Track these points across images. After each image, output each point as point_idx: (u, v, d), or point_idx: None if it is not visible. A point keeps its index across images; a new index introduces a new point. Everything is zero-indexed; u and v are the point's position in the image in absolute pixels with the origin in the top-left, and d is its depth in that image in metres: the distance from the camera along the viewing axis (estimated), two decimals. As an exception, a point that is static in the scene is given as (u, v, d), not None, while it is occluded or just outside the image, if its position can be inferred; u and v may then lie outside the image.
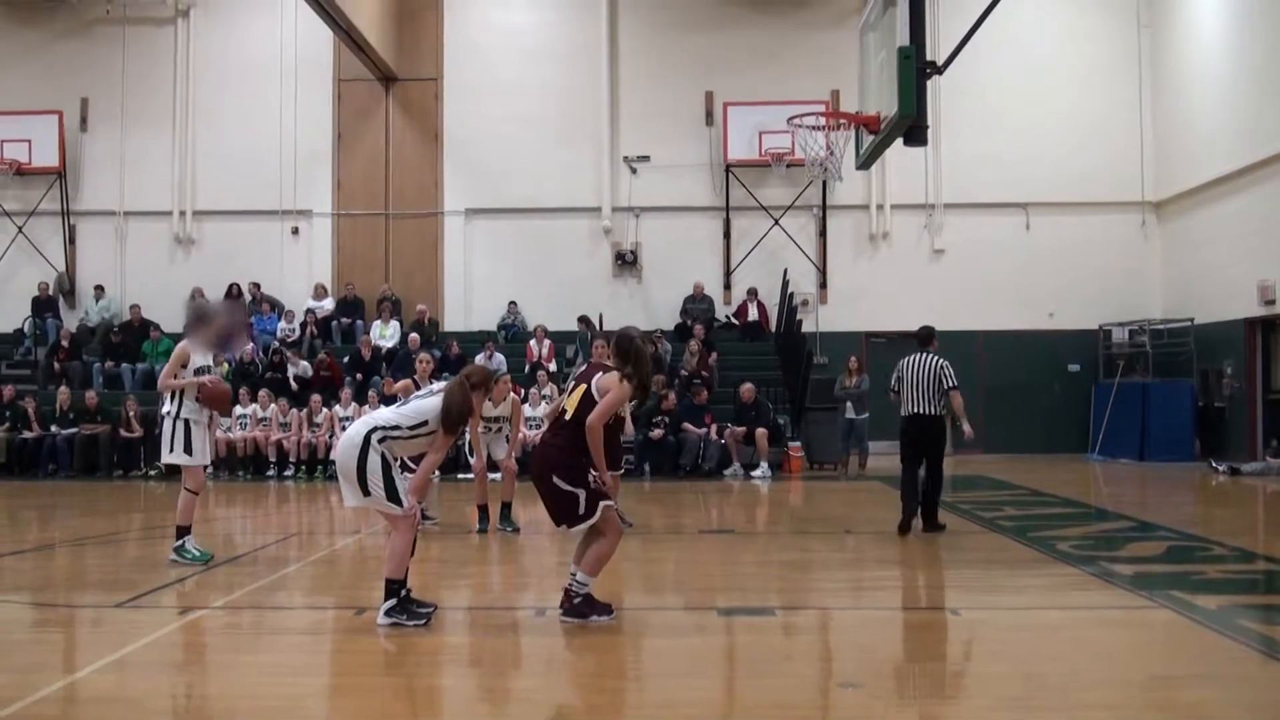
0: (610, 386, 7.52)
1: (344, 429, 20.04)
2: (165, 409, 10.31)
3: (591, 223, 25.49)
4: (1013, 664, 6.86)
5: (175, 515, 10.27)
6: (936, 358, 12.38)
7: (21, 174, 25.42)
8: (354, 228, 25.83)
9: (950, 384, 12.24)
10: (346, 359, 22.71)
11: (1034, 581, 9.60)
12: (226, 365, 21.51)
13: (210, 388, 10.32)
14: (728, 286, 25.34)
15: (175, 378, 10.16)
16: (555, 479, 7.46)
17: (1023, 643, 7.48)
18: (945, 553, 11.45)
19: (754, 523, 14.63)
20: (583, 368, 8.02)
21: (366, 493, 7.44)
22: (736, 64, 25.23)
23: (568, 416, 7.60)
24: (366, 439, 7.45)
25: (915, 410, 12.37)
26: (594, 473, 7.47)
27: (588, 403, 7.52)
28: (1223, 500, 16.79)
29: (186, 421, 10.13)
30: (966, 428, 12.67)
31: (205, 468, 10.66)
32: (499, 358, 21.74)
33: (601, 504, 7.47)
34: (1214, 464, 20.27)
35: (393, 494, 7.45)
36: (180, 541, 10.14)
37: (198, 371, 10.23)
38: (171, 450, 10.16)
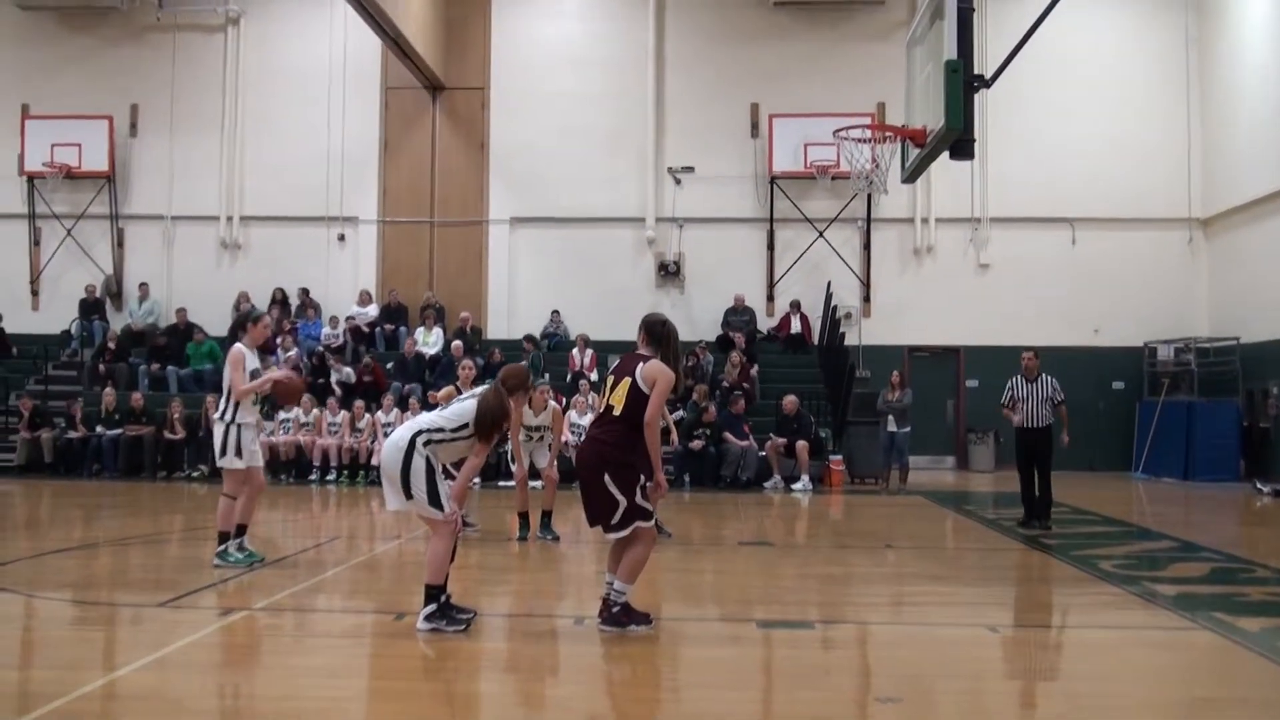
0: (657, 374, 7.49)
1: (387, 434, 20.21)
2: (217, 414, 10.36)
3: (635, 233, 25.53)
4: (1054, 682, 6.80)
5: (217, 521, 10.35)
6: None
7: (71, 177, 25.72)
8: (399, 235, 25.98)
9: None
10: (390, 365, 22.80)
11: (1076, 600, 9.55)
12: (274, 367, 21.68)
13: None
14: (770, 298, 25.33)
15: (244, 383, 10.21)
16: (607, 477, 7.40)
17: (1065, 661, 7.43)
18: (987, 569, 11.41)
19: (794, 535, 14.57)
20: (617, 361, 7.95)
21: (409, 496, 7.47)
22: (782, 76, 25.24)
23: (616, 412, 7.53)
24: (411, 442, 7.49)
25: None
26: (644, 482, 7.47)
27: (636, 394, 7.46)
28: (1266, 521, 16.59)
29: (240, 426, 10.18)
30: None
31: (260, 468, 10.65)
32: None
33: (636, 523, 7.45)
34: (1258, 485, 20.06)
35: (435, 498, 7.47)
36: (223, 546, 10.20)
37: (252, 375, 10.30)
38: (224, 455, 10.20)
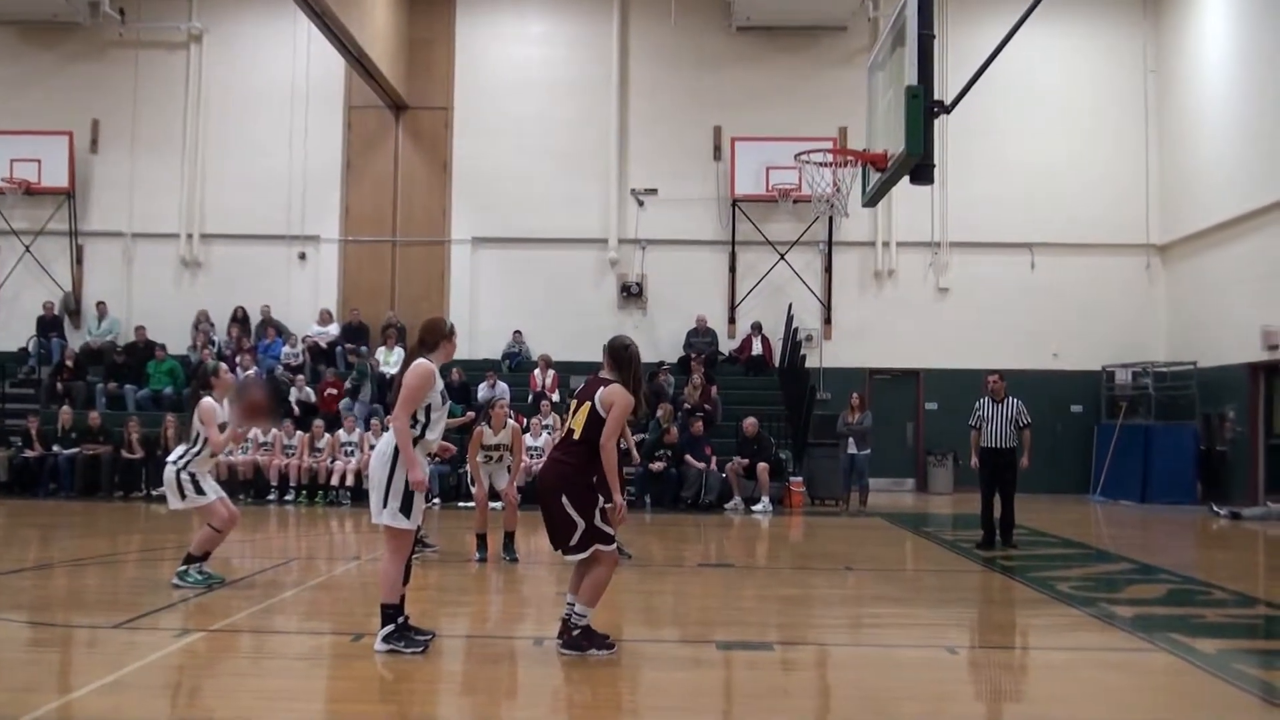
0: (614, 398, 7.52)
1: (346, 452, 20.04)
2: (171, 458, 10.35)
3: (598, 254, 25.56)
4: (1013, 704, 6.83)
5: (192, 543, 10.36)
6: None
7: (30, 193, 25.53)
8: (361, 254, 25.90)
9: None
10: (350, 384, 22.68)
11: (1034, 621, 9.60)
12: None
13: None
14: (732, 320, 25.39)
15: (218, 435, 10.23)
16: (564, 499, 7.44)
17: (1023, 682, 7.48)
18: (945, 591, 11.45)
19: (754, 557, 14.57)
20: (582, 385, 7.98)
21: (386, 504, 7.40)
22: (745, 100, 25.37)
23: (576, 436, 7.56)
24: (396, 449, 7.45)
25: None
26: (604, 504, 7.46)
27: (595, 418, 7.50)
28: (1223, 544, 16.74)
29: (192, 475, 10.18)
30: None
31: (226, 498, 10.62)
32: (502, 386, 21.76)
33: (595, 546, 7.45)
34: (1215, 508, 20.21)
35: (406, 507, 7.40)
36: (185, 567, 10.16)
37: (220, 427, 10.30)
38: (184, 498, 10.18)
